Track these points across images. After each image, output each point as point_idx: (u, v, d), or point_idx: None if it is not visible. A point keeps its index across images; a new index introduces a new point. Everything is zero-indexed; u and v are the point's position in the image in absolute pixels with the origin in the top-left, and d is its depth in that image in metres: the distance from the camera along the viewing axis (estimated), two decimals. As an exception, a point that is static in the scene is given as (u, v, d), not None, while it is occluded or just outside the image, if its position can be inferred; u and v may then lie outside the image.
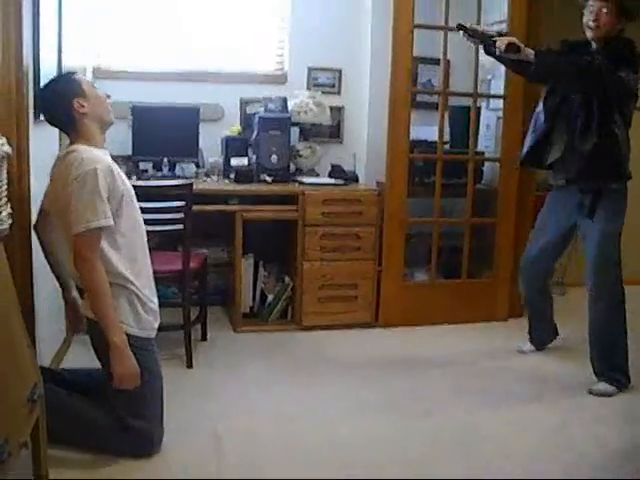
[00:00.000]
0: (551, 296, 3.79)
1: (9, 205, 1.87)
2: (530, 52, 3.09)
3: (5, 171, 1.84)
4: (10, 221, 1.85)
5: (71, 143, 2.60)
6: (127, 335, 2.49)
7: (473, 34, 3.25)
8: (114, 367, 2.44)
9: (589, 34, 3.21)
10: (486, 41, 3.24)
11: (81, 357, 3.47)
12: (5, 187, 1.84)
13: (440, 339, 4.06)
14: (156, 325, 2.69)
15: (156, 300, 2.71)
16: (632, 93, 3.15)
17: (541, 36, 4.14)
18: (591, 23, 3.17)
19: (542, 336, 3.84)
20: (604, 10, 3.12)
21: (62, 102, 2.54)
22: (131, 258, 2.57)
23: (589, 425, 2.96)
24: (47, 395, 2.35)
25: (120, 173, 2.56)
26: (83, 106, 2.54)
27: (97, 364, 3.29)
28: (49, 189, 2.66)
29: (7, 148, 1.81)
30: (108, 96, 2.67)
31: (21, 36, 2.64)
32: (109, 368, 2.53)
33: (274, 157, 4.15)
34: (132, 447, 2.53)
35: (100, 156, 2.50)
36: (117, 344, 2.42)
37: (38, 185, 2.88)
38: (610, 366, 3.33)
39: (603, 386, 3.30)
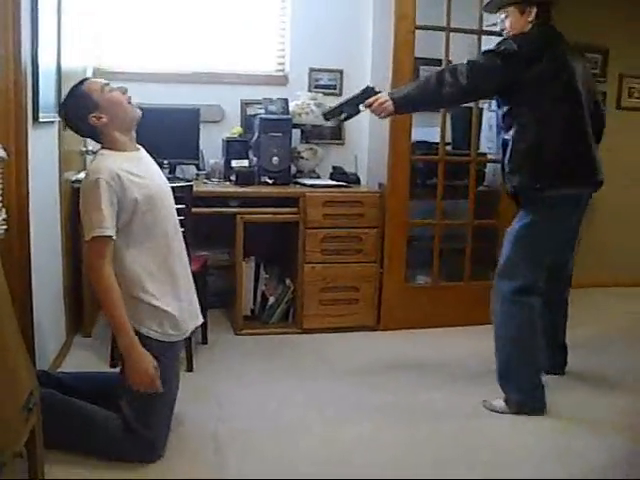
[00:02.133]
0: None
1: (4, 210, 1.84)
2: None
3: (-1, 176, 1.82)
4: (5, 227, 1.83)
5: (102, 147, 2.60)
6: (148, 338, 2.48)
7: (344, 113, 3.16)
8: (127, 370, 2.43)
9: None
10: (355, 110, 3.15)
11: (81, 360, 3.46)
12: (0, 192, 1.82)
13: (442, 342, 4.03)
14: (172, 331, 2.57)
15: (179, 305, 2.60)
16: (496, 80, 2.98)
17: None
18: (504, 33, 3.15)
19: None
20: (503, 16, 3.11)
21: (80, 121, 2.53)
22: (153, 262, 2.53)
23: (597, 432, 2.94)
24: (47, 399, 2.33)
25: (135, 179, 2.50)
26: (101, 118, 2.51)
27: (98, 368, 3.29)
28: None
29: (2, 153, 1.79)
30: (124, 92, 2.61)
31: (19, 36, 2.62)
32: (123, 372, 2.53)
33: (275, 159, 4.13)
34: (135, 453, 2.50)
35: (107, 165, 2.45)
36: (125, 347, 2.42)
37: (37, 187, 2.86)
38: (503, 380, 3.09)
39: (498, 402, 3.07)
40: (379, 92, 3.11)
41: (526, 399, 3.04)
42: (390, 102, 3.04)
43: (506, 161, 3.07)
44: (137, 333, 2.47)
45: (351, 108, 3.14)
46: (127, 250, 2.48)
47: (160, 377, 2.47)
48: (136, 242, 2.49)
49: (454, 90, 2.96)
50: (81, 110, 2.51)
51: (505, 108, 3.06)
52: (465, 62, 3.00)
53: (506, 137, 3.06)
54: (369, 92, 3.11)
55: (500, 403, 3.08)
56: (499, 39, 3.08)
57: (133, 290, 2.48)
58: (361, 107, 3.12)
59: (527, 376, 3.06)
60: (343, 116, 3.17)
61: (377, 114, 3.11)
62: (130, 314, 2.46)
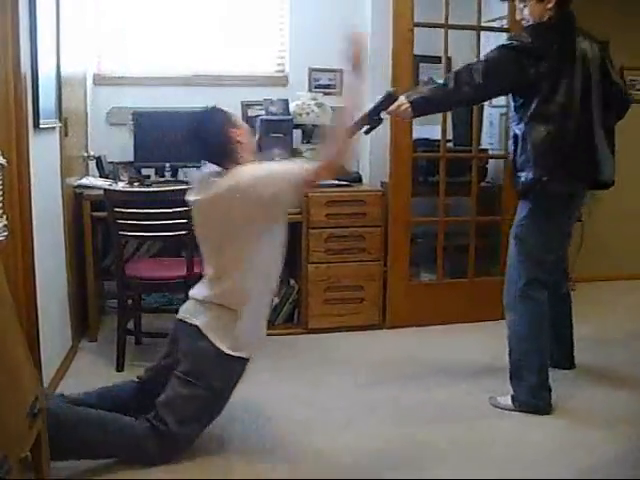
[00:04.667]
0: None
1: (5, 217, 1.85)
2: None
3: (-1, 183, 1.82)
4: (6, 233, 1.83)
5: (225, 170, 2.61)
6: (214, 347, 2.51)
7: (367, 125, 2.95)
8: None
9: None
10: (378, 121, 2.97)
11: (88, 365, 3.46)
12: (0, 199, 1.82)
13: (447, 339, 4.03)
14: (244, 351, 2.58)
15: (251, 325, 2.61)
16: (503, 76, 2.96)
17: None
18: (523, 23, 3.08)
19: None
20: (521, 6, 3.04)
21: (219, 133, 2.55)
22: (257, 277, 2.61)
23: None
24: (56, 413, 2.32)
25: None
26: (241, 134, 2.58)
27: (104, 372, 3.28)
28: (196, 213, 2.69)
29: (1, 160, 1.79)
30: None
31: (18, 42, 2.62)
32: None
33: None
34: (164, 452, 2.51)
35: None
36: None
37: (39, 193, 2.87)
38: (515, 381, 3.07)
39: (503, 399, 3.07)
40: (398, 97, 3.01)
41: (532, 399, 3.02)
42: (409, 106, 2.98)
43: (517, 156, 3.04)
44: (216, 349, 2.52)
45: (373, 119, 2.93)
46: (252, 259, 2.60)
47: (213, 384, 2.54)
48: (265, 249, 2.68)
49: (471, 89, 2.94)
50: (222, 122, 2.57)
51: (519, 101, 3.02)
52: (482, 59, 2.99)
53: (517, 131, 3.04)
54: (391, 99, 2.97)
55: (506, 400, 3.07)
56: (498, 35, 3.06)
57: (238, 302, 2.55)
58: (383, 115, 2.98)
59: (535, 375, 3.03)
60: (365, 129, 2.93)
61: (399, 118, 3.07)
62: (220, 331, 2.54)
